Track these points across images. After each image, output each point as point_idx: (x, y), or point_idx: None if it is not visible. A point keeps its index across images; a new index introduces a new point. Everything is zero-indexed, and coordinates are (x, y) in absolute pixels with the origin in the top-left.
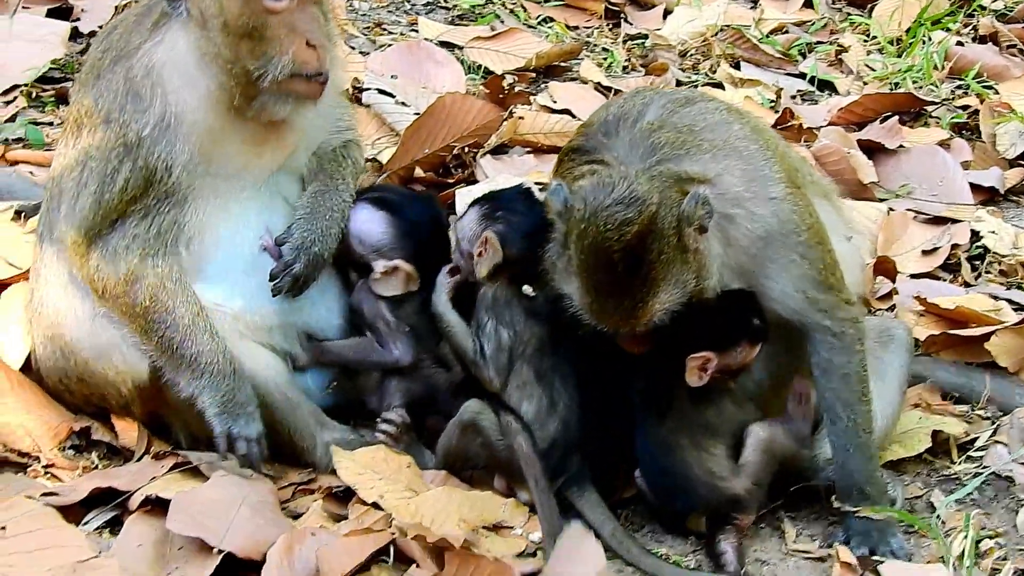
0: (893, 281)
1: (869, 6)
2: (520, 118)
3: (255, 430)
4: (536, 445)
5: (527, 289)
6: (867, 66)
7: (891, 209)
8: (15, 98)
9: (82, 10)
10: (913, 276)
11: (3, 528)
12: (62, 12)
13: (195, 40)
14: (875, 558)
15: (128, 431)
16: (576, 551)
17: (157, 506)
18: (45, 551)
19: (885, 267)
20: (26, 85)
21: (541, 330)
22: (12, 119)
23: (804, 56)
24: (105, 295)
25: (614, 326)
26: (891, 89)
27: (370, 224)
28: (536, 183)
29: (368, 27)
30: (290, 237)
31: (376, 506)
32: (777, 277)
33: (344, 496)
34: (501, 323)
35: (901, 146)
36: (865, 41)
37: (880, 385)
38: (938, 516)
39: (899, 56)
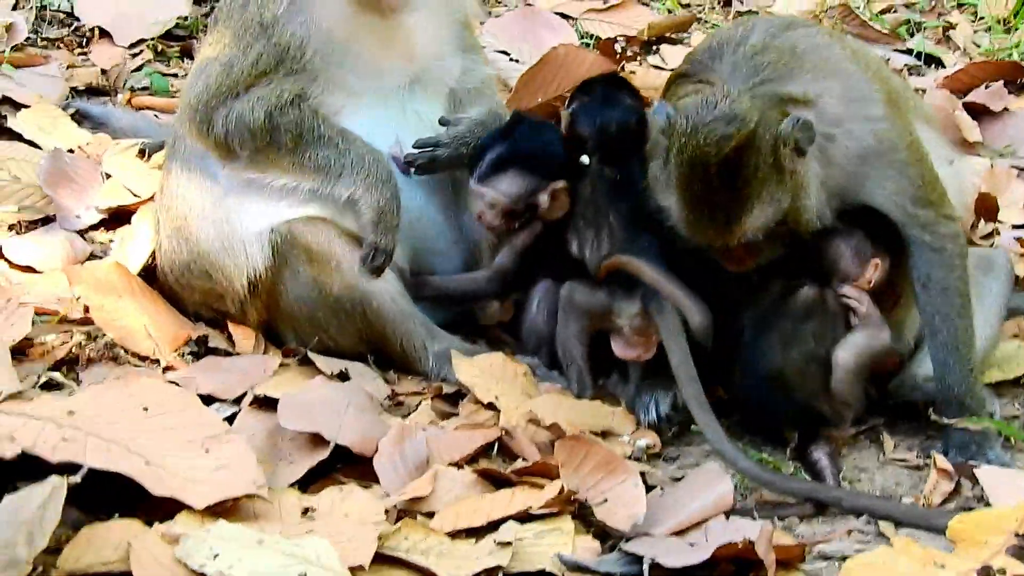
0: (995, 220)
1: None
2: (632, 72)
3: (392, 244)
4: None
5: (584, 159)
6: (974, 43)
7: (994, 165)
8: (141, 51)
9: None
10: (1015, 227)
11: (146, 409)
12: None
13: None
14: (972, 462)
15: (245, 338)
16: (707, 485)
17: (267, 404)
18: (182, 428)
19: (987, 205)
20: (152, 39)
21: (587, 190)
22: (138, 69)
23: (912, 35)
24: (241, 154)
25: (708, 240)
26: None
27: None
28: None
29: None
30: (458, 123)
31: (490, 406)
32: (875, 192)
33: (454, 398)
34: None
35: (1005, 109)
36: (972, 21)
37: (979, 307)
38: None
39: (1006, 33)
